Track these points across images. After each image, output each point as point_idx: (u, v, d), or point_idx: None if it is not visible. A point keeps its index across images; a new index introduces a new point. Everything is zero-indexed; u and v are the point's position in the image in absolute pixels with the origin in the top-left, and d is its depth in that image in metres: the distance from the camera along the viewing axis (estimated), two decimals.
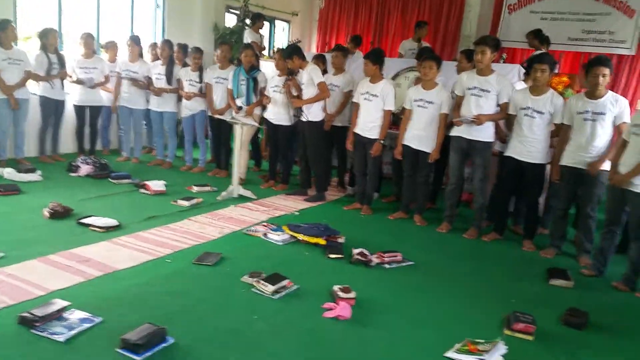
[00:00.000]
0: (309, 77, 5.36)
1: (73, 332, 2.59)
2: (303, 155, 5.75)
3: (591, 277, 4.04)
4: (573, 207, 4.67)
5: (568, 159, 4.27)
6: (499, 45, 4.83)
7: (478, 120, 4.53)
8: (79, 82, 6.53)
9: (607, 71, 4.00)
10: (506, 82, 4.65)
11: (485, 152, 4.70)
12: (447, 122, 4.86)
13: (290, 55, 5.42)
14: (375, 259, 3.93)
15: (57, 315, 2.70)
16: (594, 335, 3.11)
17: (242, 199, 5.45)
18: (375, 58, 5.06)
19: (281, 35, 11.17)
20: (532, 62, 4.52)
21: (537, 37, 6.98)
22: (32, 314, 2.64)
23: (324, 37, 10.95)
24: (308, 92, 5.42)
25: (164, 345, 2.56)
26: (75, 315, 2.75)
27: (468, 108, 4.62)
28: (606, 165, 4.13)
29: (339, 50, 5.92)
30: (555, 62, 4.59)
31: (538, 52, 6.19)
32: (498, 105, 4.61)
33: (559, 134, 4.39)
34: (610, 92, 4.10)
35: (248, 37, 8.22)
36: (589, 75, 4.08)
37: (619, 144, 3.98)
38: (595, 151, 4.12)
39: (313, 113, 5.46)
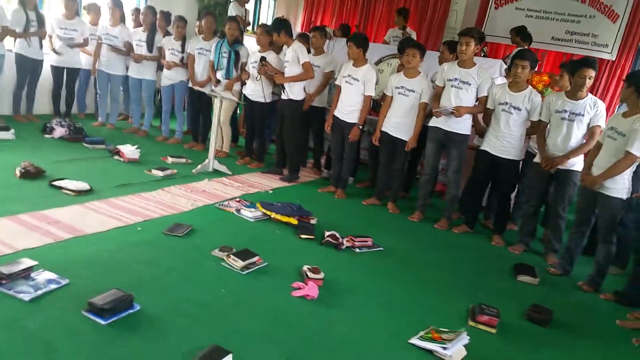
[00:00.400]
0: (295, 55, 5.30)
1: (39, 292, 2.59)
2: (279, 134, 5.72)
3: (557, 276, 4.11)
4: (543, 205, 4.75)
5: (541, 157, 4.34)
6: (483, 39, 4.86)
7: (457, 112, 4.56)
8: (56, 51, 6.41)
9: (593, 74, 4.06)
10: (487, 75, 4.68)
11: (461, 144, 4.75)
12: (426, 112, 4.91)
13: (279, 29, 5.36)
14: (345, 242, 3.97)
15: (24, 275, 2.69)
16: (556, 333, 3.17)
17: (217, 173, 5.43)
18: (360, 42, 5.04)
19: (266, 12, 11.04)
20: (514, 58, 4.55)
21: (520, 34, 7.05)
22: None
23: (310, 16, 10.86)
24: (291, 70, 5.37)
25: (130, 311, 2.57)
26: (42, 275, 2.74)
27: (448, 99, 4.65)
28: (578, 166, 4.21)
29: (317, 31, 5.83)
30: (536, 60, 4.63)
31: (520, 48, 6.24)
32: (477, 98, 4.66)
33: (536, 131, 4.43)
34: (590, 95, 4.16)
35: (233, 10, 8.09)
36: (575, 76, 4.10)
37: (591, 146, 4.06)
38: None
39: (295, 91, 5.43)
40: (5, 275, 2.61)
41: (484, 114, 4.72)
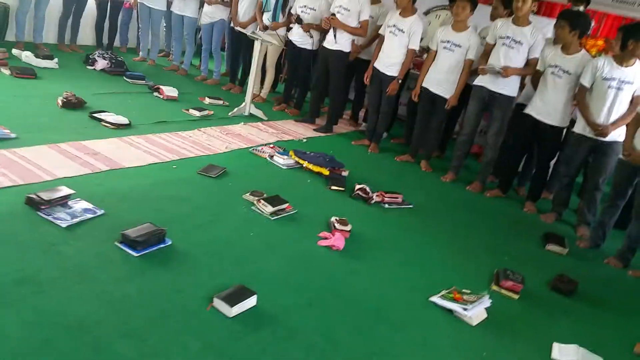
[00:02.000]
0: (358, 8, 5.10)
1: (75, 220, 2.67)
2: (317, 83, 5.61)
3: (586, 249, 4.01)
4: (580, 175, 4.60)
5: (583, 128, 4.12)
6: None
7: (505, 73, 4.37)
8: None
9: None
10: (540, 36, 4.44)
11: (506, 106, 4.57)
12: (471, 70, 4.71)
13: None
14: (375, 197, 3.95)
15: (62, 202, 2.77)
16: (579, 304, 3.11)
17: (252, 117, 5.43)
18: None
19: None
20: (557, 18, 4.31)
21: None
22: (39, 196, 2.71)
23: None
24: (347, 20, 5.14)
25: (161, 246, 2.64)
26: (79, 204, 2.82)
27: (497, 58, 4.45)
28: (622, 137, 3.98)
29: None
30: (587, 23, 4.26)
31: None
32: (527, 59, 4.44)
33: (577, 96, 4.20)
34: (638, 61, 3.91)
35: None
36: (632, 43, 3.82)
37: (633, 115, 3.83)
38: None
39: (345, 43, 5.27)
40: (45, 201, 2.70)
41: (532, 76, 4.52)
